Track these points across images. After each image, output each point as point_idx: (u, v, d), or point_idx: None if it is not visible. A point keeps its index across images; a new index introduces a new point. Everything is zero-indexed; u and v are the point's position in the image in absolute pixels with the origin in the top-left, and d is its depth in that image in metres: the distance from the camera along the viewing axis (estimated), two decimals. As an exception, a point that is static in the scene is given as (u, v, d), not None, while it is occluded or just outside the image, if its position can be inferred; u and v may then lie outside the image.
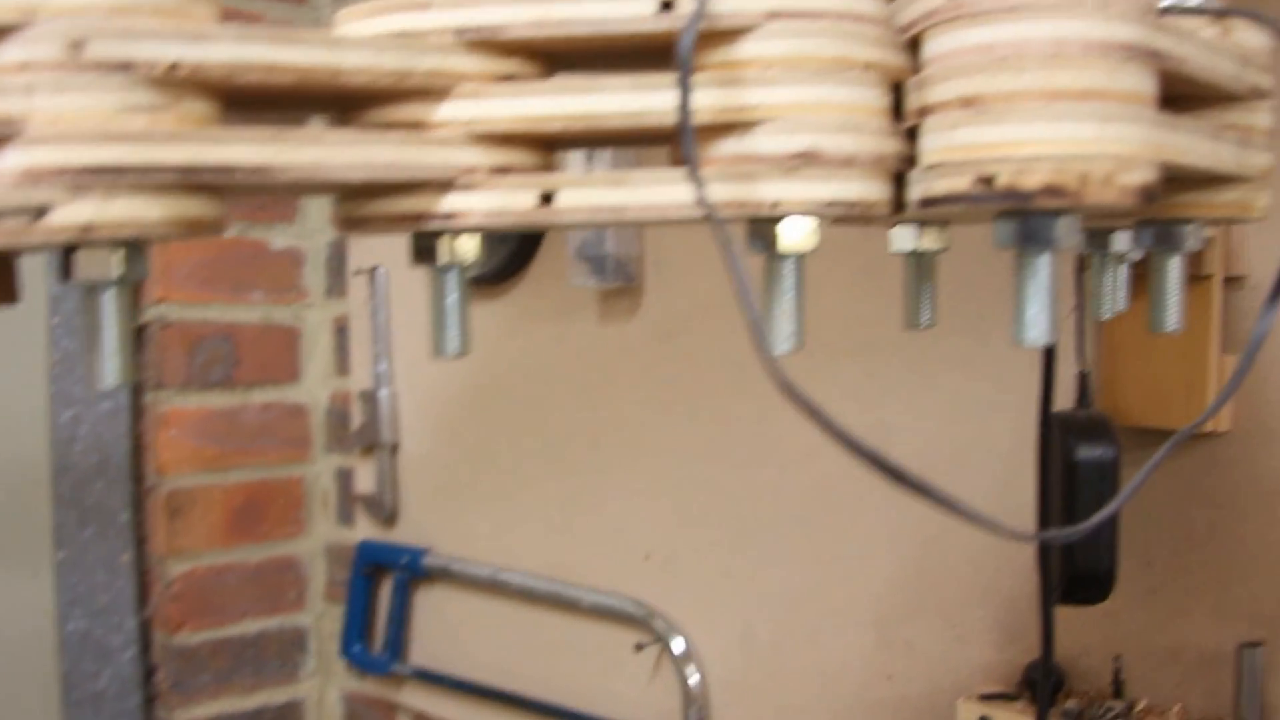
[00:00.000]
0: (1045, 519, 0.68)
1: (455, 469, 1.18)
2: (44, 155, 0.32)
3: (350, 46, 0.36)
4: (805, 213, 0.37)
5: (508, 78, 0.38)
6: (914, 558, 0.83)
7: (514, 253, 1.09)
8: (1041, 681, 0.68)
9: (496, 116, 0.37)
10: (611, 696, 1.04)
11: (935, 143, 0.37)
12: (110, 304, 0.35)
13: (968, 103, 0.36)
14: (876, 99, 0.38)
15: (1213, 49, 0.40)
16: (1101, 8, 0.35)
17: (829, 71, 0.37)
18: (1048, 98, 0.35)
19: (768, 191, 0.37)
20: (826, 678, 0.88)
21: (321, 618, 1.35)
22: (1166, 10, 0.44)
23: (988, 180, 0.36)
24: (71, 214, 0.32)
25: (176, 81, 0.33)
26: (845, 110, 0.37)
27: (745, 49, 0.37)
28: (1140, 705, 0.70)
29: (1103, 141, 0.35)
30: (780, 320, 0.40)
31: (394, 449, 1.24)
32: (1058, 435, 0.68)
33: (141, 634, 1.25)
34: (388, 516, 1.24)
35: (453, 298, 0.41)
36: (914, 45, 0.39)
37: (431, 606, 1.21)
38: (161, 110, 0.33)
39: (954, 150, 0.36)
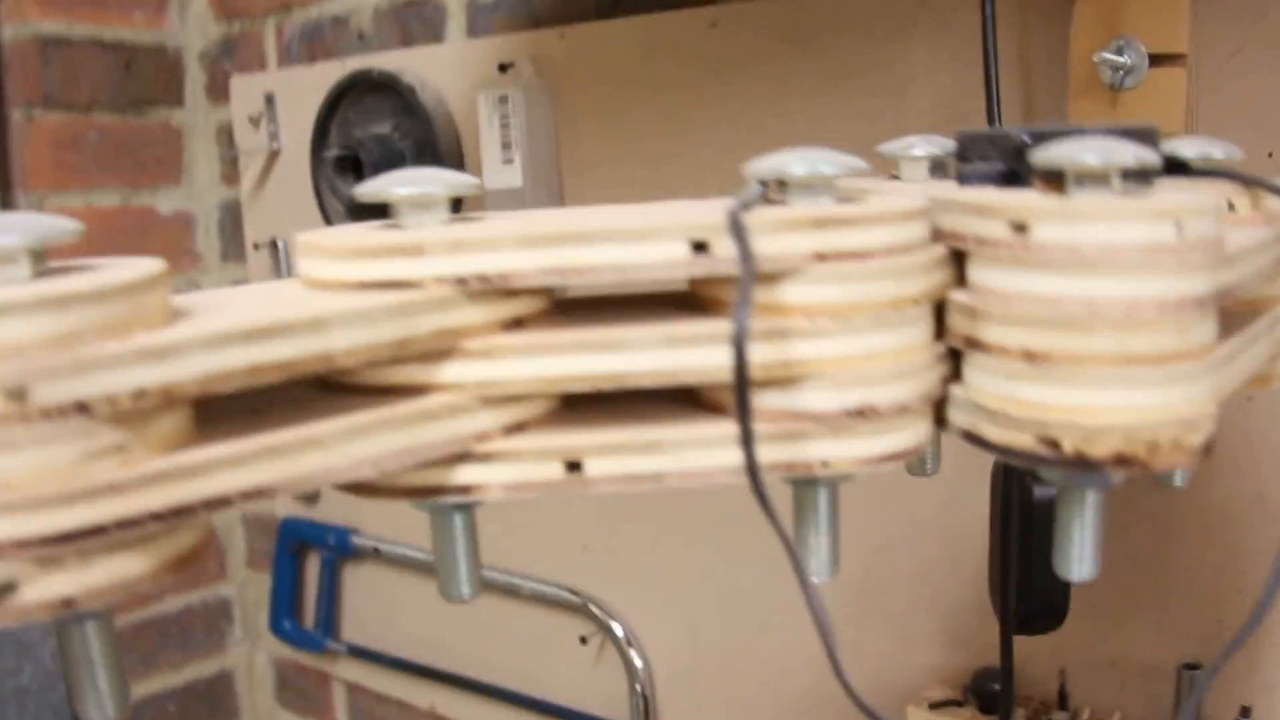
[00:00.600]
0: (1005, 558, 0.68)
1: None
2: (-1, 527, 0.26)
3: (340, 324, 0.30)
4: (857, 469, 0.34)
5: (515, 321, 0.33)
6: (861, 564, 0.83)
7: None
8: (1002, 712, 0.69)
9: (511, 379, 0.33)
10: (555, 681, 1.04)
11: (990, 385, 0.34)
12: (96, 636, 0.30)
13: (1031, 356, 0.32)
14: (926, 332, 0.34)
15: (1263, 247, 0.37)
16: (1181, 262, 0.31)
17: (880, 316, 0.33)
18: (1119, 363, 0.32)
19: (816, 450, 0.33)
20: (772, 671, 0.89)
21: (244, 585, 1.31)
22: (1198, 170, 0.41)
23: (1053, 444, 0.33)
24: (44, 589, 0.27)
25: (144, 409, 0.28)
26: (897, 356, 0.33)
27: (789, 294, 0.33)
28: (1084, 715, 0.73)
29: (1173, 406, 0.32)
30: (817, 550, 0.37)
31: (310, 424, 1.17)
32: (1015, 473, 0.67)
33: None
34: (310, 495, 1.19)
35: (464, 538, 0.36)
36: (957, 255, 0.35)
37: (362, 585, 1.18)
38: (131, 446, 0.28)
39: (1013, 402, 0.33)
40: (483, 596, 1.09)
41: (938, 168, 0.45)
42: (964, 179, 0.38)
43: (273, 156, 1.13)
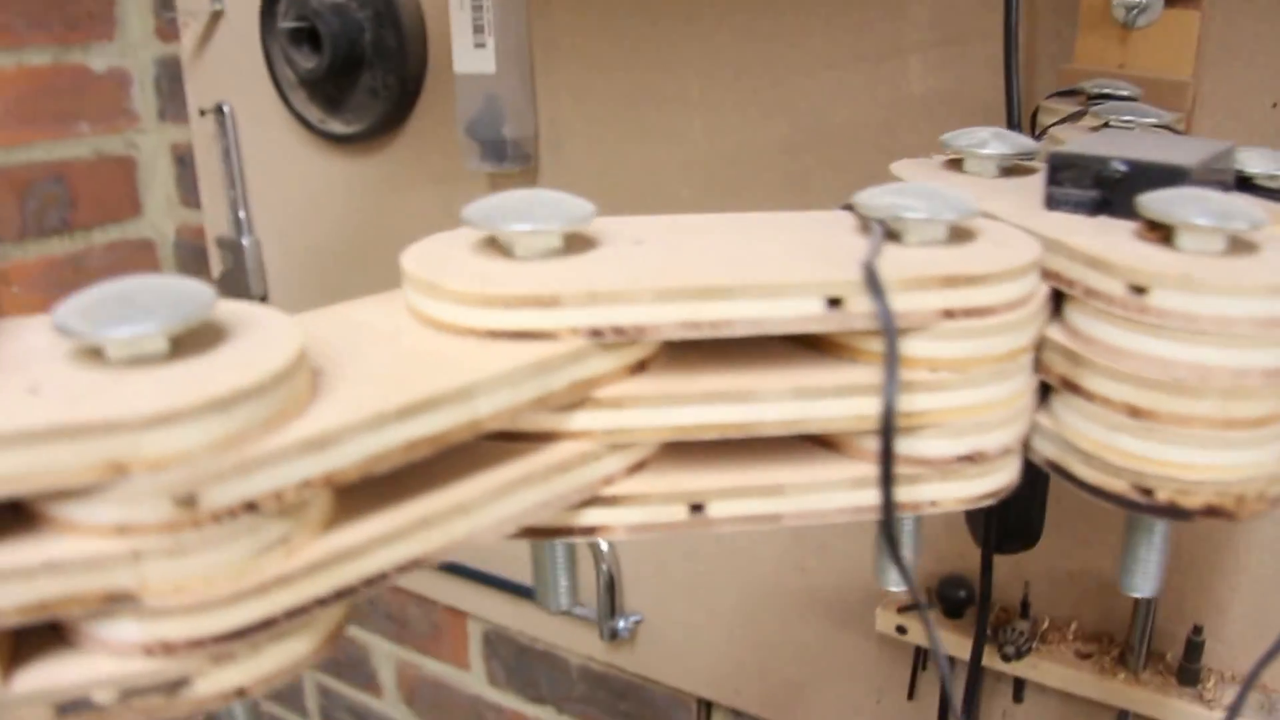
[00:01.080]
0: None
1: (335, 325, 1.11)
2: (171, 629, 0.26)
3: (486, 390, 0.30)
4: (960, 507, 0.35)
5: (640, 364, 0.33)
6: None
7: (389, 112, 0.97)
8: (978, 628, 0.74)
9: (642, 427, 0.33)
10: (517, 560, 1.06)
11: (1087, 430, 0.35)
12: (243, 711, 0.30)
13: (1135, 412, 0.34)
14: (1031, 375, 0.35)
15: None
16: (1289, 334, 0.33)
17: (998, 368, 0.34)
18: (1222, 426, 0.33)
19: (926, 492, 0.35)
20: (738, 559, 0.93)
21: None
22: (1263, 189, 0.42)
23: (1147, 491, 0.34)
24: (217, 682, 0.27)
25: (306, 498, 0.27)
26: (1008, 403, 0.34)
27: (915, 348, 0.33)
28: (1044, 624, 0.78)
29: (1263, 464, 0.34)
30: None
31: (263, 299, 1.14)
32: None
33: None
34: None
35: (564, 558, 0.37)
36: (1057, 295, 0.36)
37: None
38: (294, 534, 0.27)
39: (1111, 450, 0.35)
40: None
41: (1005, 160, 0.44)
42: (1053, 202, 0.38)
43: (215, 17, 1.06)
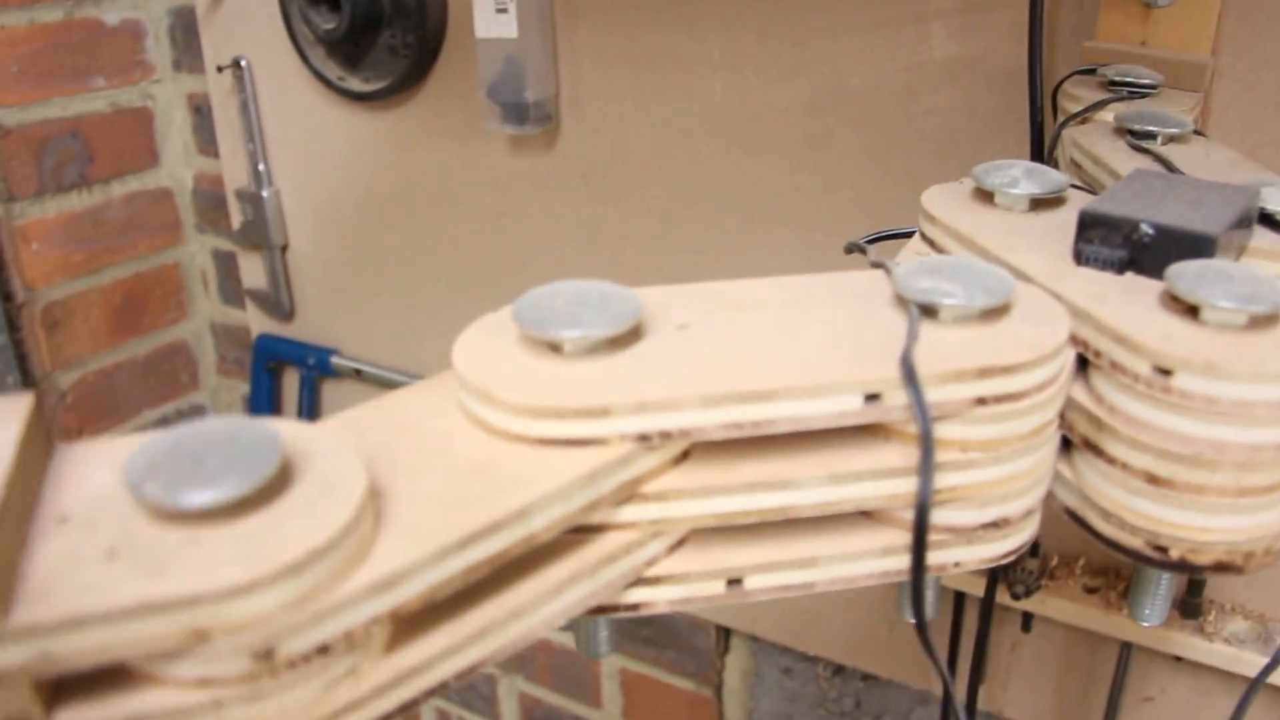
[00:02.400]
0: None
1: (354, 274, 1.11)
2: (255, 758, 0.27)
3: (541, 508, 0.30)
4: (982, 566, 0.36)
5: (684, 455, 0.34)
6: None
7: (409, 70, 0.95)
8: (991, 571, 0.76)
9: (685, 516, 0.33)
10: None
11: (1107, 490, 0.36)
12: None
13: (1154, 480, 0.34)
14: (1055, 442, 0.36)
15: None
16: (1305, 411, 0.33)
17: (1025, 444, 0.34)
18: (1235, 494, 0.34)
19: (950, 556, 0.36)
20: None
21: (217, 392, 1.31)
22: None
23: (1161, 549, 0.35)
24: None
25: (374, 632, 0.28)
26: (1032, 474, 0.35)
27: (946, 432, 0.33)
28: (1053, 561, 0.80)
29: (1271, 524, 0.35)
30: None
31: (283, 249, 1.14)
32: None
33: (50, 445, 1.18)
34: (285, 314, 1.17)
35: (606, 632, 0.38)
36: (1081, 361, 0.36)
37: (342, 406, 1.19)
38: (362, 663, 0.28)
39: (1129, 511, 0.35)
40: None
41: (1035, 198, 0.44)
42: (1081, 257, 0.38)
43: (224, -31, 1.02)
